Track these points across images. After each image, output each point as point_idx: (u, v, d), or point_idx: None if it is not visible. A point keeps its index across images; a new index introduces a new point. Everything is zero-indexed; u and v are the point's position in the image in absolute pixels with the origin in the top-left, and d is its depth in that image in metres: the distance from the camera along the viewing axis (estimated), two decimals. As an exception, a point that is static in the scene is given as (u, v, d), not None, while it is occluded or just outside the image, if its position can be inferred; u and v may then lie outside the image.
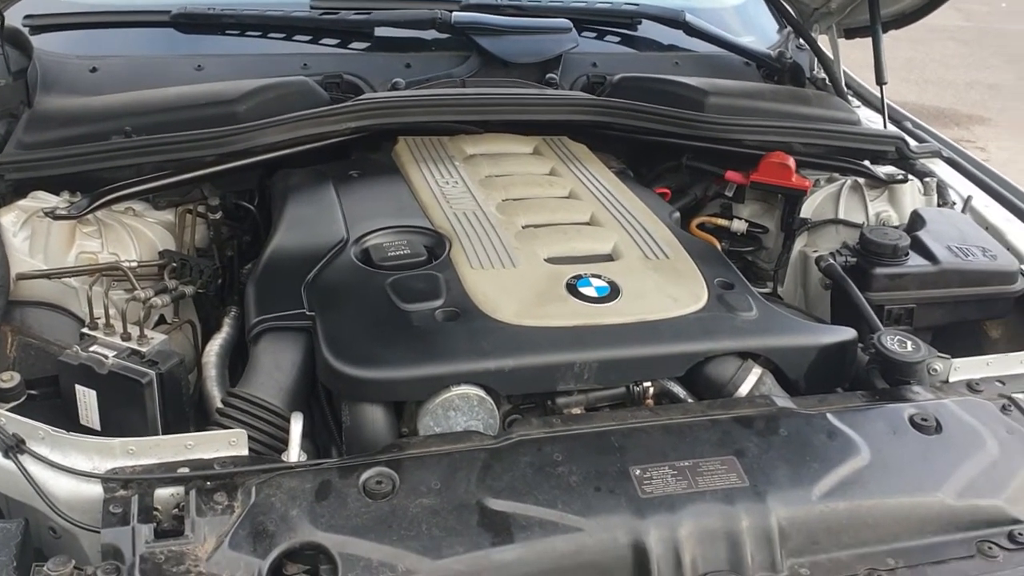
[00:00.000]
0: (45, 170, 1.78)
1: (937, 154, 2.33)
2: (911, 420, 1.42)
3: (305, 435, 1.53)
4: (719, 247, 2.14)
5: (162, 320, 1.73)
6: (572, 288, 1.56)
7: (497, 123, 2.16)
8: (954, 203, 2.13)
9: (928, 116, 7.73)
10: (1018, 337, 1.87)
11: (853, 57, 2.72)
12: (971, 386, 1.55)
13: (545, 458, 1.28)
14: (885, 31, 2.54)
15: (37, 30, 2.25)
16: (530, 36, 2.41)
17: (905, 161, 2.26)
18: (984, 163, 2.35)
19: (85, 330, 1.49)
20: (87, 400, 1.44)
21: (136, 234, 1.79)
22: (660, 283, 1.61)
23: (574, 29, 2.46)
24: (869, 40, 2.46)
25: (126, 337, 1.47)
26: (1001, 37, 10.77)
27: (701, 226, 2.23)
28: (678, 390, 1.52)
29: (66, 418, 1.45)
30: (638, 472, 1.27)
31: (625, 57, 2.58)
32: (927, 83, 8.74)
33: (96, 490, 1.23)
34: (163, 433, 1.42)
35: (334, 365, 1.39)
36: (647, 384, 1.51)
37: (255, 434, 1.38)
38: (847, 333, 1.59)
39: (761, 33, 2.85)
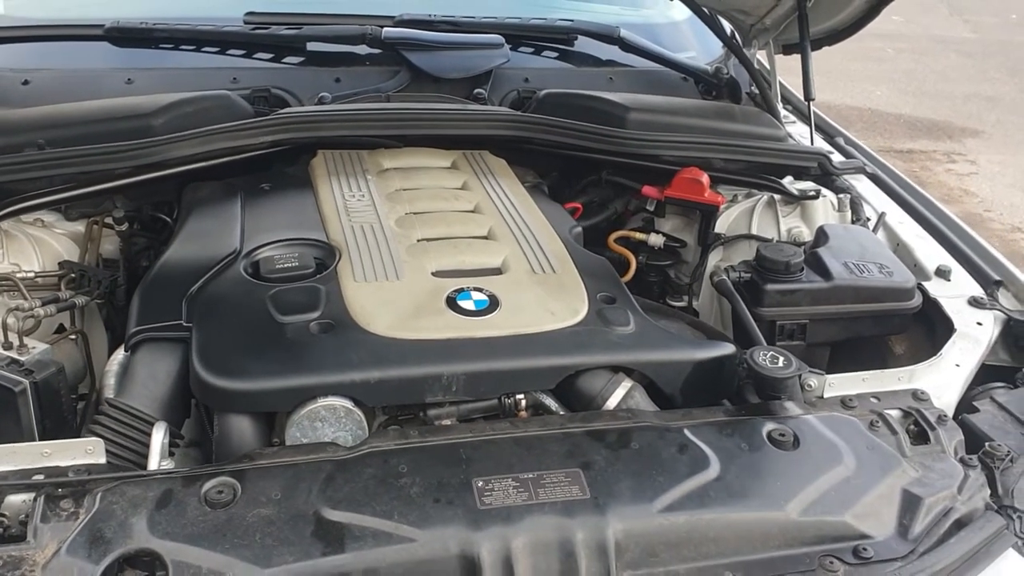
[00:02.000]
0: None
1: (860, 170, 2.34)
2: (768, 435, 1.43)
3: (192, 444, 1.58)
4: (634, 261, 2.17)
5: (61, 330, 1.76)
6: (451, 301, 1.59)
7: (417, 137, 2.19)
8: (866, 219, 2.14)
9: (921, 128, 7.75)
10: (922, 352, 1.87)
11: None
12: (845, 402, 1.56)
13: (390, 470, 1.30)
14: (817, 48, 2.56)
15: (-27, 44, 2.30)
16: (461, 52, 2.44)
17: (827, 177, 2.27)
18: (907, 180, 2.36)
19: (-31, 339, 1.53)
20: (-32, 408, 1.48)
21: (40, 245, 1.83)
22: (541, 297, 1.63)
23: (506, 45, 2.48)
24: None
25: (7, 347, 1.50)
26: (1007, 49, 10.71)
27: (621, 240, 2.25)
28: (550, 402, 1.54)
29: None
30: (480, 484, 1.28)
31: (559, 72, 2.60)
32: (924, 95, 8.72)
33: (-53, 496, 1.26)
34: (40, 441, 1.45)
35: (201, 376, 1.42)
36: (519, 396, 1.52)
37: (126, 443, 1.41)
38: (724, 348, 1.60)
39: (705, 49, 2.87)
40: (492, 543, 1.22)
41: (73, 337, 1.72)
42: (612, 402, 1.51)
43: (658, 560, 1.26)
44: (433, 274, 1.67)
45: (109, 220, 1.95)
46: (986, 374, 1.75)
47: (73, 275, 1.77)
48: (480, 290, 1.62)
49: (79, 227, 1.93)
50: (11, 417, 1.45)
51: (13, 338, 1.50)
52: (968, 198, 6.18)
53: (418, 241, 1.78)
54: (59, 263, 1.81)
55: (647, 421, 1.44)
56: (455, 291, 1.61)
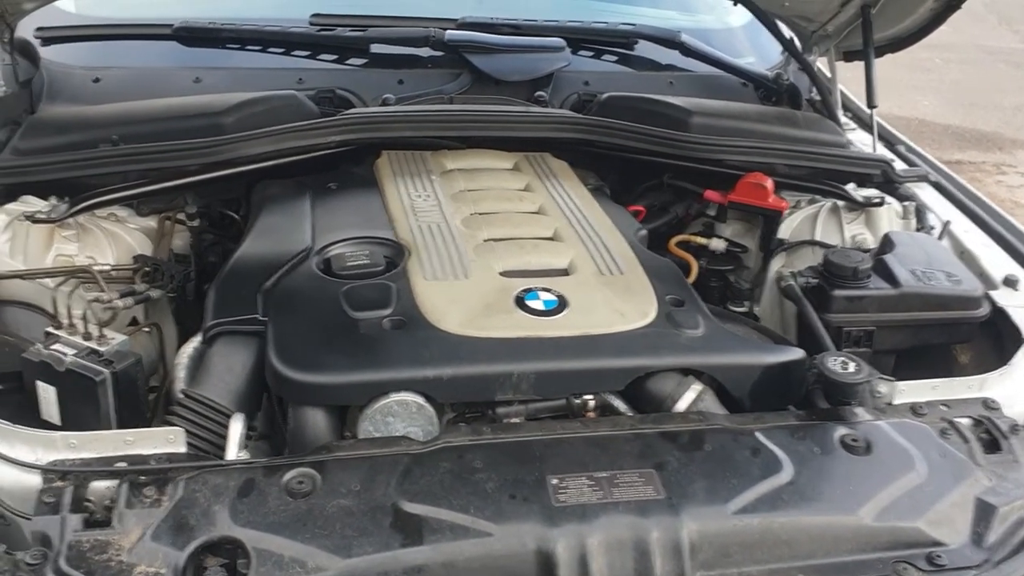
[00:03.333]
0: (34, 175, 1.87)
1: (924, 178, 2.32)
2: (841, 440, 1.42)
3: (263, 437, 1.60)
4: (696, 266, 2.17)
5: (135, 322, 1.80)
6: (520, 301, 1.60)
7: (480, 139, 2.21)
8: (932, 227, 2.12)
9: (970, 139, 7.64)
10: (987, 363, 1.85)
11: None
12: (915, 409, 1.55)
13: (465, 465, 1.32)
14: (880, 55, 2.54)
15: (47, 42, 2.35)
16: (522, 55, 2.46)
17: (890, 184, 2.26)
18: (970, 188, 2.33)
19: (50, 329, 1.56)
20: (47, 396, 1.51)
21: (115, 239, 1.86)
22: (609, 298, 1.64)
23: (567, 48, 2.49)
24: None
25: (87, 337, 1.53)
26: (1057, 60, 10.54)
27: (682, 244, 2.25)
28: (619, 404, 1.55)
29: (30, 412, 1.52)
30: (555, 481, 1.29)
31: (619, 76, 2.61)
32: (973, 106, 8.59)
33: (36, 480, 1.29)
34: (118, 429, 1.48)
35: (277, 368, 1.44)
36: (588, 397, 1.53)
37: (203, 433, 1.44)
38: (793, 353, 1.60)
39: (763, 55, 2.86)
40: (568, 540, 1.23)
41: (147, 329, 1.75)
42: (682, 404, 1.51)
43: (731, 561, 1.27)
44: (501, 274, 1.69)
45: (181, 216, 1.98)
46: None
47: (147, 269, 1.80)
48: (548, 290, 1.63)
49: (151, 222, 1.97)
50: (91, 406, 1.48)
51: (92, 329, 1.53)
52: (1020, 210, 6.08)
53: (484, 241, 1.79)
54: (133, 257, 1.85)
55: (719, 424, 1.44)
56: (523, 291, 1.62)
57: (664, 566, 1.24)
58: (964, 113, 8.39)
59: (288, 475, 1.29)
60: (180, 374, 1.64)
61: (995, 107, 8.61)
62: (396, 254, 1.74)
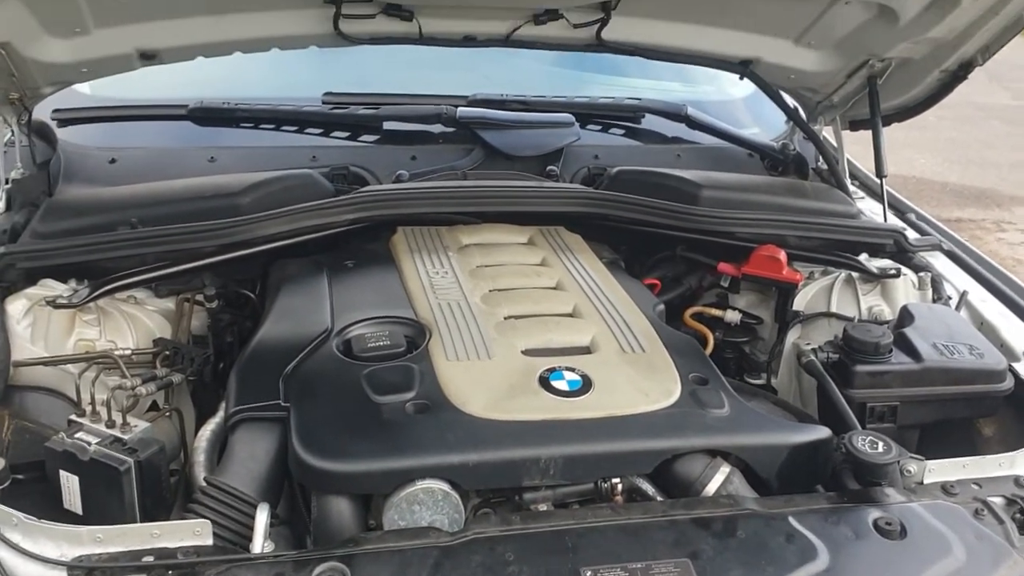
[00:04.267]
0: (53, 259, 1.87)
1: (937, 247, 2.33)
2: (875, 524, 1.40)
3: (284, 523, 1.58)
4: (712, 337, 2.16)
5: (155, 407, 1.79)
6: (544, 381, 1.59)
7: (495, 214, 2.22)
8: (949, 298, 2.13)
9: (969, 197, 7.71)
10: (1012, 435, 1.85)
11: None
12: (946, 489, 1.53)
13: (497, 558, 1.29)
14: (887, 124, 2.57)
15: (64, 123, 2.38)
16: (533, 130, 2.49)
17: (903, 254, 2.27)
18: (985, 256, 2.34)
19: (73, 417, 1.55)
20: (70, 485, 1.49)
21: (134, 322, 1.86)
22: (633, 377, 1.63)
23: (576, 123, 2.53)
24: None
25: (110, 425, 1.52)
26: (1050, 115, 10.70)
27: (696, 316, 2.25)
28: (647, 487, 1.53)
29: (52, 502, 1.50)
30: (588, 574, 1.27)
31: (627, 150, 2.64)
32: (970, 163, 8.69)
33: (62, 577, 1.28)
34: (142, 519, 1.46)
35: (301, 457, 1.43)
36: (615, 480, 1.51)
37: (227, 522, 1.42)
38: (821, 432, 1.59)
39: (768, 124, 2.90)
40: (604, 635, 1.21)
41: (168, 414, 1.73)
42: (711, 487, 1.49)
43: (773, 654, 1.24)
44: (523, 352, 1.68)
45: (199, 296, 1.98)
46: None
47: (167, 352, 1.79)
48: (572, 370, 1.62)
49: (169, 303, 1.97)
50: (114, 495, 1.46)
51: (116, 416, 1.52)
52: (1022, 268, 6.11)
53: (505, 319, 1.79)
54: (153, 340, 1.84)
55: (750, 508, 1.43)
56: (547, 370, 1.61)
57: (703, 660, 1.21)
58: (961, 170, 8.48)
59: (317, 570, 1.27)
60: (200, 458, 1.63)
61: (991, 164, 8.72)
62: (417, 334, 1.74)
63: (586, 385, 1.59)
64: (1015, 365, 1.88)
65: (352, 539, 1.35)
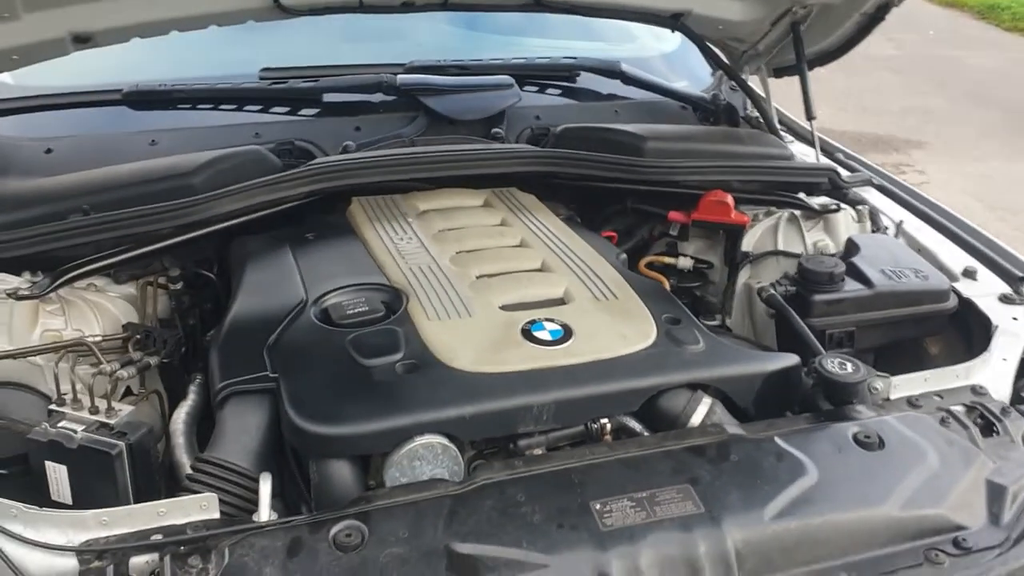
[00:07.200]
0: (5, 252, 1.81)
1: (868, 182, 2.44)
2: (855, 438, 1.49)
3: (276, 495, 1.57)
4: (667, 284, 2.22)
5: (128, 392, 1.76)
6: (527, 333, 1.62)
7: (449, 179, 2.23)
8: (886, 228, 2.24)
9: (868, 143, 8.00)
10: (956, 352, 1.96)
11: (788, 92, 2.85)
12: (911, 402, 1.63)
13: (508, 500, 1.33)
14: (811, 68, 2.66)
15: (-8, 116, 2.30)
16: (474, 94, 2.50)
17: (838, 191, 2.37)
18: (913, 187, 2.47)
19: (53, 407, 1.52)
20: (58, 475, 1.46)
21: (99, 309, 1.82)
22: (610, 322, 1.68)
23: (516, 85, 2.55)
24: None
25: (94, 411, 1.49)
26: (930, 63, 11.15)
27: (650, 265, 2.31)
28: (634, 424, 1.58)
29: (37, 495, 1.47)
30: (598, 506, 1.32)
31: (567, 108, 2.68)
32: (864, 111, 9.00)
33: (71, 563, 1.25)
34: (134, 502, 1.44)
35: (298, 424, 1.43)
36: (604, 421, 1.56)
37: (226, 497, 1.41)
38: (790, 359, 1.66)
39: (694, 77, 2.97)
40: (621, 562, 1.25)
41: (147, 398, 1.71)
42: (696, 419, 1.55)
43: (775, 566, 1.31)
44: (501, 308, 1.71)
45: (161, 280, 1.95)
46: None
47: (139, 336, 1.76)
48: (552, 320, 1.66)
49: (130, 289, 1.93)
50: (107, 480, 1.44)
51: (99, 402, 1.50)
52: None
53: (478, 278, 1.81)
54: (123, 325, 1.81)
55: (738, 434, 1.49)
56: (528, 323, 1.65)
57: (715, 578, 1.27)
58: (857, 119, 8.78)
59: (335, 529, 1.28)
60: (179, 440, 1.62)
61: (884, 111, 9.05)
62: (393, 299, 1.75)
63: (567, 334, 1.63)
64: (956, 285, 1.99)
65: (362, 497, 1.36)
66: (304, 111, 2.46)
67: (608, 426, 1.56)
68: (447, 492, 1.35)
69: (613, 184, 2.28)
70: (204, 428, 1.68)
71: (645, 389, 1.56)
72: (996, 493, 1.43)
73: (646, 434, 1.56)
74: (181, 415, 1.67)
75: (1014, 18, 13.84)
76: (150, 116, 2.37)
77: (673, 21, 2.55)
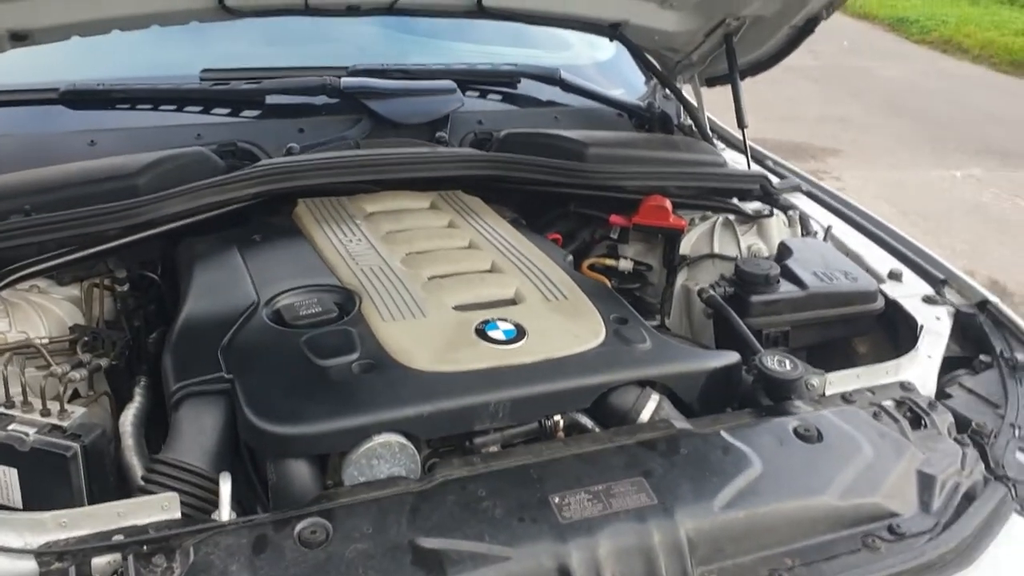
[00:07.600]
0: None
1: (797, 188, 2.54)
2: (795, 431, 1.56)
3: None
4: (609, 285, 2.29)
5: (76, 395, 1.74)
6: (481, 332, 1.66)
7: (395, 181, 2.25)
8: (816, 232, 2.34)
9: (787, 151, 8.21)
10: (882, 351, 2.06)
11: (717, 102, 2.96)
12: (845, 397, 1.71)
13: (470, 495, 1.36)
14: (743, 78, 2.76)
15: (-83, 116, 2.23)
16: (417, 98, 2.52)
17: (769, 197, 2.46)
18: (839, 193, 2.58)
19: (1, 410, 1.49)
20: (7, 479, 1.44)
21: (44, 311, 1.79)
22: (561, 322, 1.72)
23: (459, 90, 2.59)
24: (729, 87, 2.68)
25: (45, 413, 1.48)
26: (845, 74, 11.56)
27: (592, 267, 2.37)
28: (586, 421, 1.63)
29: (-18, 500, 1.45)
30: (557, 500, 1.36)
31: (508, 113, 2.72)
32: (783, 120, 9.27)
33: (31, 566, 1.24)
34: (89, 505, 1.43)
35: (256, 424, 1.43)
36: (557, 417, 1.61)
37: (184, 498, 1.41)
38: (732, 357, 1.73)
39: (628, 85, 3.05)
40: (580, 553, 1.30)
41: (96, 400, 1.69)
42: (645, 415, 1.61)
43: (725, 554, 1.37)
44: (454, 308, 1.74)
45: (107, 281, 1.92)
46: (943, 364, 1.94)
47: (86, 338, 1.74)
48: (505, 320, 1.70)
49: (74, 291, 1.90)
50: (61, 483, 1.43)
51: (51, 405, 1.48)
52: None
53: (429, 279, 1.84)
54: (70, 327, 1.78)
55: (686, 428, 1.55)
56: (482, 323, 1.68)
57: (669, 566, 1.32)
58: (776, 127, 9.02)
59: (299, 526, 1.29)
60: (129, 443, 1.61)
61: (801, 120, 9.35)
62: (345, 300, 1.76)
63: (520, 333, 1.67)
64: (882, 287, 2.09)
65: (324, 495, 1.38)
66: (246, 113, 2.45)
67: (561, 423, 1.61)
68: (409, 489, 1.37)
69: (556, 188, 2.33)
70: (150, 430, 1.68)
71: (597, 386, 1.61)
72: (926, 483, 1.52)
73: (598, 430, 1.61)
74: (129, 417, 1.65)
75: (922, 31, 14.46)
76: (89, 116, 2.33)
77: (612, 30, 2.62)
